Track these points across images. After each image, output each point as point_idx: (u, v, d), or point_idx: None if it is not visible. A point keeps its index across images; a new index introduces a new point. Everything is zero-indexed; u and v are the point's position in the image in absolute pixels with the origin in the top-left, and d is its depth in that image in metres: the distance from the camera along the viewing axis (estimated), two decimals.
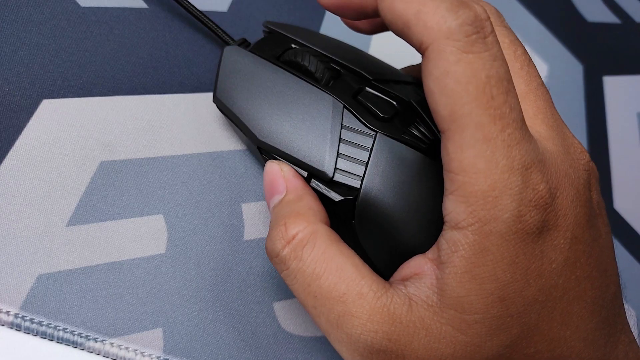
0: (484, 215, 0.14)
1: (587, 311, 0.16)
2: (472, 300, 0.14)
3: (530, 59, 0.17)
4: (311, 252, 0.16)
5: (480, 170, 0.14)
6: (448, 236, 0.15)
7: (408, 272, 0.16)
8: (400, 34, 0.15)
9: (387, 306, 0.15)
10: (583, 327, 0.16)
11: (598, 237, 0.16)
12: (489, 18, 0.14)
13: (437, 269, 0.15)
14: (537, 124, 0.16)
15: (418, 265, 0.16)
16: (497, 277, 0.14)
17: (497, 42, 0.14)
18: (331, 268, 0.15)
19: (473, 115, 0.14)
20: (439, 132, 0.18)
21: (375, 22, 0.19)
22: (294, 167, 0.19)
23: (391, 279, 0.17)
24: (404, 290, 0.15)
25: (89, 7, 0.23)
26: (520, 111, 0.14)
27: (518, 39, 0.18)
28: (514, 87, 0.14)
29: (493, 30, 0.14)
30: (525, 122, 0.15)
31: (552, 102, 0.17)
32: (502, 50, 0.14)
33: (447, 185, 0.15)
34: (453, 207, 0.15)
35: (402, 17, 0.14)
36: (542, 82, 0.17)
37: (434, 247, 0.16)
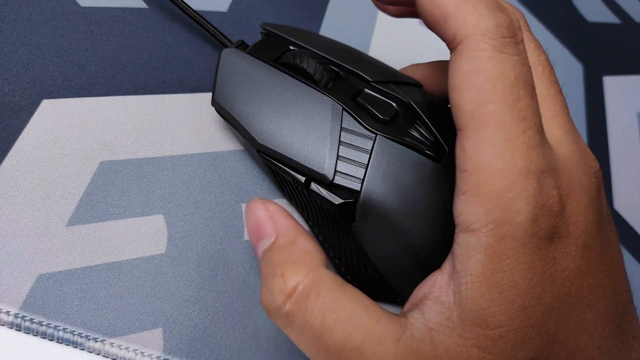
0: (498, 216, 0.14)
1: (600, 319, 0.16)
2: (494, 312, 0.14)
3: (551, 66, 0.18)
4: (317, 301, 0.14)
5: (497, 169, 0.14)
6: (461, 240, 0.14)
7: (424, 291, 0.15)
8: (434, 24, 0.15)
9: (408, 347, 0.14)
10: (597, 335, 0.15)
11: (609, 245, 0.16)
12: (520, 27, 0.15)
13: (453, 281, 0.15)
14: (553, 127, 0.16)
15: (434, 281, 0.15)
16: (516, 283, 0.14)
17: (525, 50, 0.15)
18: (342, 317, 0.14)
19: (497, 113, 0.14)
20: (438, 133, 0.18)
21: (405, 9, 0.18)
22: (293, 172, 0.19)
23: (409, 303, 0.16)
24: (422, 320, 0.14)
25: (89, 7, 0.23)
26: (540, 117, 0.14)
27: (541, 46, 0.18)
28: (536, 94, 0.15)
29: (523, 40, 0.15)
30: (543, 128, 0.15)
31: (568, 109, 0.17)
32: (528, 58, 0.15)
33: (460, 184, 0.14)
34: (465, 208, 0.14)
35: (441, 8, 0.15)
36: (560, 89, 0.17)
37: (447, 259, 0.15)
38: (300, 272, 0.15)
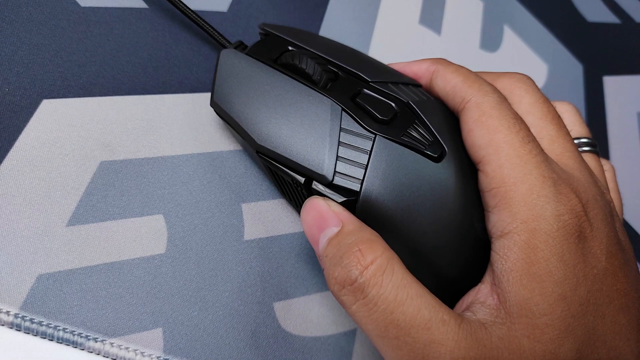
0: (526, 215, 0.16)
1: (635, 324, 0.16)
2: (537, 301, 0.15)
3: (559, 116, 0.20)
4: (391, 277, 0.15)
5: (517, 177, 0.16)
6: (497, 247, 0.16)
7: (469, 300, 0.17)
8: (445, 94, 0.19)
9: (468, 331, 0.15)
10: (633, 340, 0.16)
11: (629, 261, 0.17)
12: (506, 100, 0.18)
13: (495, 286, 0.16)
14: (566, 157, 0.18)
15: (477, 291, 0.16)
16: (552, 273, 0.15)
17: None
18: (412, 294, 0.15)
19: (507, 138, 0.17)
20: (437, 133, 0.18)
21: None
22: (292, 173, 0.19)
23: (456, 310, 0.17)
24: (474, 317, 0.16)
25: (89, 7, 0.23)
26: (539, 144, 0.17)
27: (547, 98, 0.20)
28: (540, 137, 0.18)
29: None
30: (546, 153, 0.17)
31: (577, 147, 0.19)
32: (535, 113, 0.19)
33: (489, 201, 0.17)
34: (497, 217, 0.16)
35: (451, 83, 0.19)
36: (568, 131, 0.19)
37: (487, 270, 0.17)
38: (377, 249, 0.16)
